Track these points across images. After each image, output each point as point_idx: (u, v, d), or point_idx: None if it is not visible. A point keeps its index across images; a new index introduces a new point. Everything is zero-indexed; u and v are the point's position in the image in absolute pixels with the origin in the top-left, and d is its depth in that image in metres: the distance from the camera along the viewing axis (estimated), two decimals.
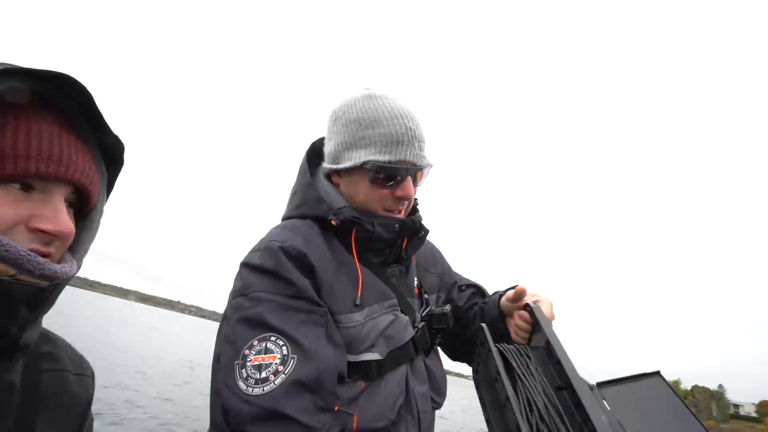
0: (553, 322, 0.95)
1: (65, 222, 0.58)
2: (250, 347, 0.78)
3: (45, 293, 0.58)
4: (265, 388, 0.73)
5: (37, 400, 0.66)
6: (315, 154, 1.15)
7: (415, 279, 1.17)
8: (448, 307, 1.12)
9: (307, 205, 1.05)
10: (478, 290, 1.32)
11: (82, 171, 0.60)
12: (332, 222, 0.99)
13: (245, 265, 0.92)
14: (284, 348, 0.78)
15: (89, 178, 0.62)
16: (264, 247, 0.92)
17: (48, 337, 0.76)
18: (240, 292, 0.88)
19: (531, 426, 0.57)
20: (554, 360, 0.67)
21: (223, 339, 0.84)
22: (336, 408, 0.78)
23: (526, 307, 0.91)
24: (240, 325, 0.82)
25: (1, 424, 0.61)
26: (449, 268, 1.37)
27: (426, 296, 1.17)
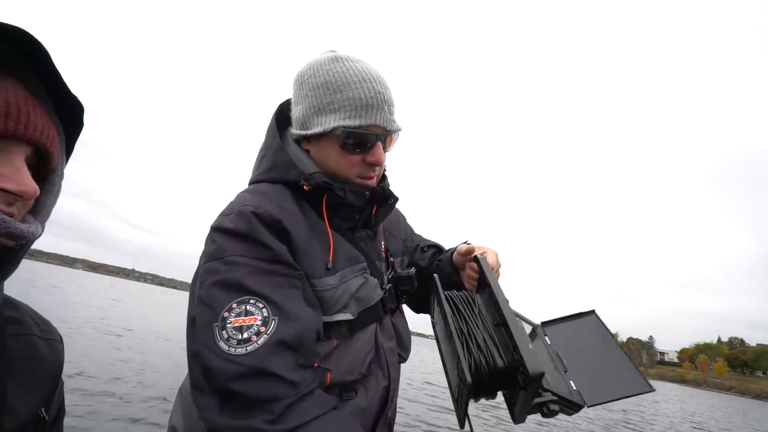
0: (501, 269, 1.09)
1: (28, 181, 0.56)
2: (230, 309, 0.78)
3: (11, 253, 0.57)
4: (248, 348, 0.74)
5: (5, 364, 0.65)
6: (283, 116, 1.11)
7: (382, 243, 1.21)
8: (412, 270, 1.17)
9: (278, 170, 1.01)
10: (438, 250, 1.38)
11: (42, 131, 0.58)
12: (304, 187, 0.96)
13: (217, 229, 0.89)
14: (264, 310, 0.79)
15: (49, 139, 0.60)
16: (236, 212, 0.89)
17: (10, 302, 0.74)
18: (213, 256, 0.85)
19: (471, 354, 0.69)
20: (494, 301, 0.76)
21: (197, 302, 0.82)
22: (315, 365, 0.82)
23: (475, 258, 0.99)
24: (216, 288, 0.81)
25: None
26: (412, 232, 1.42)
27: (392, 260, 1.21)
